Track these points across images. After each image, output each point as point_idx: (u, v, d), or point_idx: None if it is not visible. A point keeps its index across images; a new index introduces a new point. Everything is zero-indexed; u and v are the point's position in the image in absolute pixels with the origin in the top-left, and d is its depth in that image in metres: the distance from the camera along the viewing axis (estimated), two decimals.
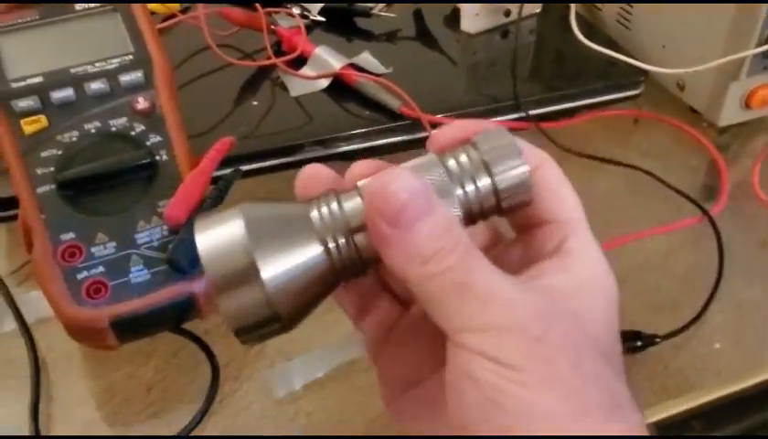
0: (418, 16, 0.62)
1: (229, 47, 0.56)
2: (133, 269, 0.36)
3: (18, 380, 0.39)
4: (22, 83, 0.39)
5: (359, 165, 0.26)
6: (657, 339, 0.39)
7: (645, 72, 0.54)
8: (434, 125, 0.48)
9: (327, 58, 0.52)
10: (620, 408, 0.22)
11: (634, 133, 0.56)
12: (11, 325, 0.41)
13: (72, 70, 0.40)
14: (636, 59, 0.54)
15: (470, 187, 0.24)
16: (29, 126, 0.38)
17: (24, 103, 0.39)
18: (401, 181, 0.23)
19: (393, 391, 0.27)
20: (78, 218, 0.37)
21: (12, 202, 0.44)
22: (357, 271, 0.25)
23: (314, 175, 0.26)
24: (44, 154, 0.38)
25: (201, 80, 0.53)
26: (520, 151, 0.25)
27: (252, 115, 0.50)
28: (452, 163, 0.24)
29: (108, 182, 0.38)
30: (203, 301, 0.37)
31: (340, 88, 0.52)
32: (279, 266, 0.24)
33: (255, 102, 0.52)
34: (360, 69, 0.52)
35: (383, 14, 0.59)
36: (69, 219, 0.37)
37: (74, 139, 0.39)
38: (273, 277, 0.23)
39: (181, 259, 0.35)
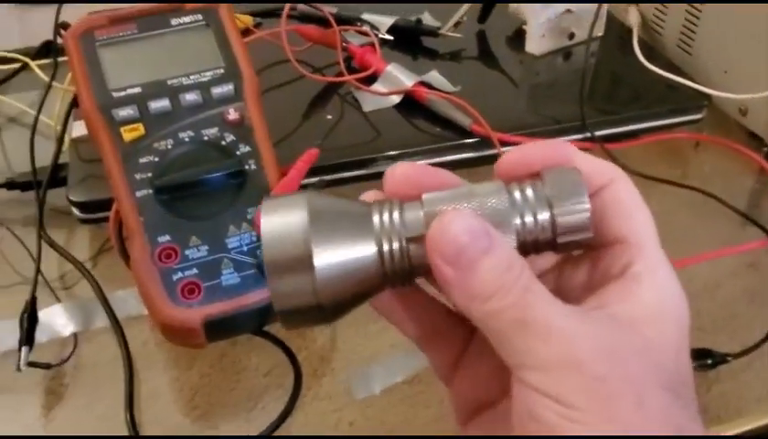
0: (481, 36, 0.64)
1: (301, 62, 0.58)
2: (224, 272, 0.38)
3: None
4: (122, 93, 0.41)
5: (402, 167, 0.26)
6: (729, 358, 0.40)
7: (708, 97, 0.55)
8: (504, 143, 0.50)
9: (398, 76, 0.54)
10: None
11: (696, 157, 0.57)
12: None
13: (169, 82, 0.42)
14: (698, 84, 0.55)
15: (529, 219, 0.25)
16: (128, 134, 0.41)
17: (124, 112, 0.41)
18: (461, 223, 0.23)
19: (468, 413, 0.27)
20: (173, 221, 0.39)
21: (95, 205, 0.47)
22: (405, 280, 0.26)
23: (404, 177, 0.26)
24: (142, 160, 0.40)
25: (274, 92, 0.55)
26: (586, 191, 0.25)
27: (326, 128, 0.52)
28: (516, 193, 0.25)
29: (201, 188, 0.40)
30: None
31: (411, 104, 0.54)
32: (332, 259, 0.24)
33: (329, 116, 0.54)
34: (430, 87, 0.54)
35: (450, 34, 0.61)
36: (165, 222, 0.39)
37: (169, 147, 0.41)
38: (325, 268, 0.24)
39: None
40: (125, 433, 0.38)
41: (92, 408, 0.39)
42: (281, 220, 0.25)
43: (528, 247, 0.26)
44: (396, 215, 0.25)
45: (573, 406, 0.21)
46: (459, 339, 0.28)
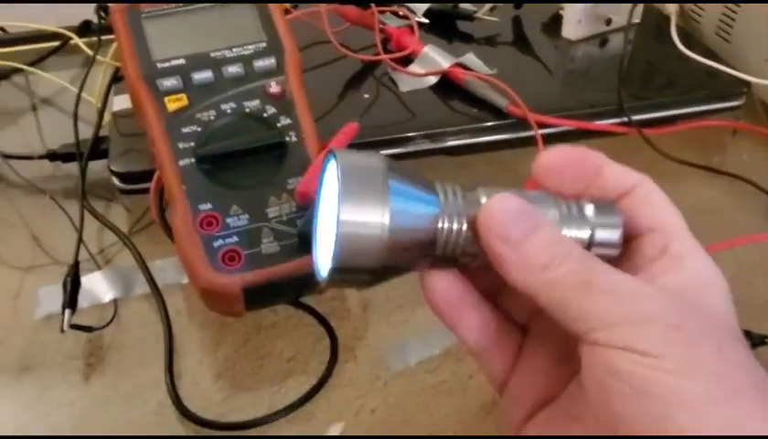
0: (517, 21, 0.64)
1: (334, 47, 0.58)
2: (264, 240, 0.38)
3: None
4: (166, 64, 0.42)
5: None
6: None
7: (747, 84, 0.55)
8: (540, 125, 0.50)
9: (435, 57, 0.54)
10: None
11: (734, 144, 0.57)
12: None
13: (212, 54, 0.43)
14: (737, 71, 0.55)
15: (572, 232, 0.26)
16: (172, 104, 0.41)
17: (168, 82, 0.41)
18: (507, 201, 0.25)
19: (526, 413, 0.27)
20: (215, 190, 0.39)
21: (135, 177, 0.48)
22: (452, 259, 0.27)
23: (575, 161, 0.27)
24: (185, 130, 0.41)
25: (311, 72, 0.56)
26: (621, 215, 0.27)
27: (363, 107, 0.53)
28: (564, 207, 0.27)
29: (242, 159, 0.40)
30: None
31: (447, 86, 0.54)
32: (401, 217, 0.25)
33: (366, 95, 0.54)
34: (466, 69, 0.54)
35: (486, 17, 0.61)
36: (206, 191, 0.39)
37: (212, 117, 0.41)
38: (397, 211, 0.25)
39: (311, 232, 0.37)
40: (163, 393, 0.38)
41: (130, 372, 0.40)
42: (359, 161, 0.26)
43: None
44: (459, 196, 0.27)
45: (654, 354, 0.22)
46: (514, 344, 0.28)
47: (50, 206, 0.48)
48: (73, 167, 0.51)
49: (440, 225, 0.26)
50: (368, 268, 0.25)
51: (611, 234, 0.28)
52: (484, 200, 0.26)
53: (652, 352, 0.22)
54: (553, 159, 0.27)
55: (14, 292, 0.44)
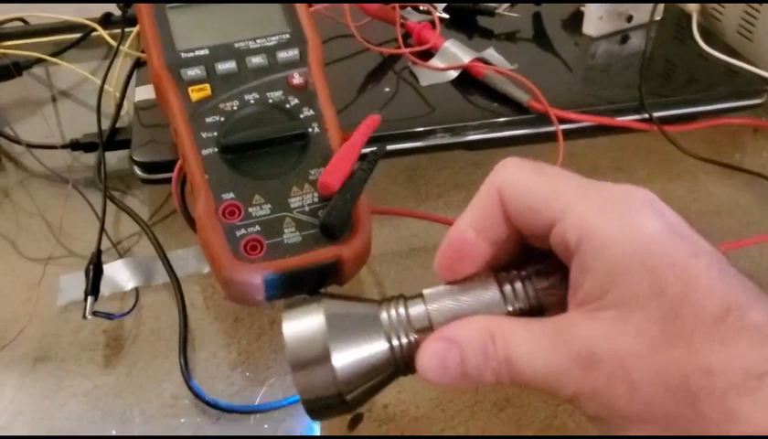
0: (537, 18, 0.64)
1: (354, 36, 0.59)
2: (286, 230, 0.39)
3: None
4: (190, 54, 0.42)
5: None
6: None
7: None
8: (562, 120, 0.50)
9: (456, 52, 0.54)
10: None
11: (754, 142, 0.57)
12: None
13: (236, 45, 0.43)
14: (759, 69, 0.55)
15: (517, 306, 0.28)
16: (196, 94, 0.41)
17: (192, 72, 0.42)
18: (427, 356, 0.27)
19: None
20: (237, 179, 0.39)
21: (156, 166, 0.48)
22: (411, 362, 0.29)
23: (461, 253, 0.28)
24: (208, 119, 0.41)
25: (333, 65, 0.56)
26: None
27: (384, 101, 0.53)
28: (507, 287, 0.29)
29: (265, 149, 0.40)
30: (347, 267, 0.39)
31: (467, 80, 0.54)
32: (349, 356, 0.29)
33: (386, 89, 0.54)
34: (487, 64, 0.54)
35: (507, 13, 0.61)
36: (229, 181, 0.39)
37: (235, 108, 0.41)
38: (343, 365, 0.29)
39: (334, 223, 0.38)
40: (178, 385, 0.38)
41: (146, 363, 0.40)
42: (302, 326, 0.30)
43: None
44: (402, 311, 0.30)
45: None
46: None
47: (72, 195, 0.49)
48: (95, 158, 0.51)
49: (390, 349, 0.29)
50: (339, 411, 0.30)
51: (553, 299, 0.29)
52: (424, 311, 0.29)
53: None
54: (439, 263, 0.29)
55: (35, 279, 0.44)
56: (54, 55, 0.60)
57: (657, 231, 0.24)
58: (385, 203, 0.49)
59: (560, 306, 0.26)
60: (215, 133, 0.41)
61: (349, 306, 0.31)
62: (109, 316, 0.40)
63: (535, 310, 0.29)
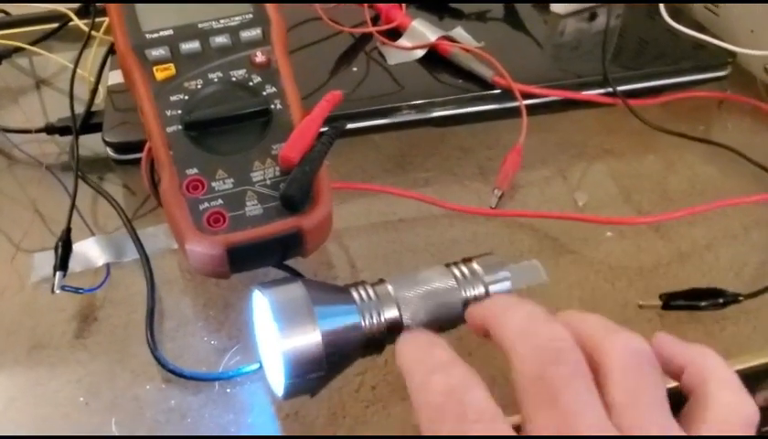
0: None
1: (324, 21, 0.60)
2: (248, 203, 0.40)
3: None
4: (155, 35, 0.43)
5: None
6: (740, 298, 0.40)
7: (733, 54, 0.55)
8: (525, 95, 0.51)
9: (423, 31, 0.55)
10: None
11: (719, 115, 0.57)
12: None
13: (199, 25, 0.44)
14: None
15: (469, 292, 0.36)
16: (160, 73, 0.42)
17: (156, 52, 0.43)
18: (407, 347, 0.29)
19: None
20: (201, 155, 0.40)
21: (127, 147, 0.49)
22: (380, 341, 0.34)
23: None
24: (172, 98, 0.42)
25: (303, 49, 0.57)
26: (504, 264, 0.37)
27: (352, 80, 0.54)
28: (458, 273, 0.36)
29: (228, 125, 0.41)
30: (308, 237, 0.40)
31: (434, 59, 0.55)
32: (330, 323, 0.32)
33: (354, 69, 0.55)
34: (453, 42, 0.55)
35: None
36: (193, 156, 0.40)
37: (199, 86, 0.42)
38: (326, 330, 0.32)
39: (294, 194, 0.39)
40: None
41: (119, 333, 0.41)
42: (286, 297, 0.33)
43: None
44: (371, 292, 0.35)
45: None
46: None
47: (47, 177, 0.50)
48: (70, 141, 0.52)
49: (363, 323, 0.33)
50: (313, 374, 0.32)
51: (501, 286, 0.36)
52: (392, 292, 0.35)
53: None
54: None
55: (9, 258, 0.45)
56: (33, 44, 0.61)
57: None
58: None
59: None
60: (179, 111, 0.42)
61: (322, 284, 0.35)
62: (77, 290, 0.42)
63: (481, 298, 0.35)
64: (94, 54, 0.57)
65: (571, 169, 0.53)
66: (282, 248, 0.41)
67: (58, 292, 0.40)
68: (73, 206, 0.45)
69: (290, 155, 0.40)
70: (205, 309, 0.43)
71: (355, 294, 0.34)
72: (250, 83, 0.43)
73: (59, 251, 0.42)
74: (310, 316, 0.32)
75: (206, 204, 0.39)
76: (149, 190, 0.44)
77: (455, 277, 0.36)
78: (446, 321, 0.36)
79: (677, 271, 0.45)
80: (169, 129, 0.41)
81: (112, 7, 0.44)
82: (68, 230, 0.43)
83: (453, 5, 0.63)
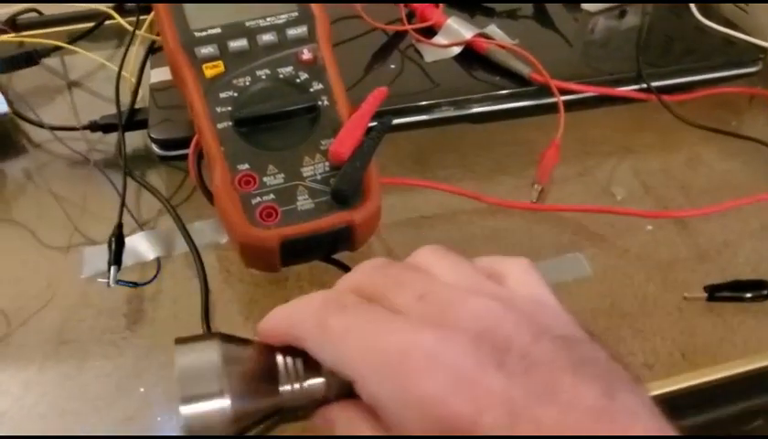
0: None
1: (361, 18, 0.60)
2: (299, 198, 0.40)
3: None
4: (204, 33, 0.44)
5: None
6: None
7: (764, 50, 0.56)
8: (562, 91, 0.51)
9: (458, 28, 0.56)
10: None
11: (750, 110, 0.58)
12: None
13: (246, 24, 0.45)
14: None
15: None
16: (210, 70, 0.43)
17: (205, 50, 0.44)
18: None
19: None
20: (251, 151, 0.41)
21: (173, 143, 0.50)
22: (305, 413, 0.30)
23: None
24: (222, 95, 0.43)
25: (339, 45, 0.57)
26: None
27: (389, 77, 0.55)
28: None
29: (277, 122, 0.42)
30: (358, 231, 0.41)
31: (470, 56, 0.56)
32: (241, 398, 0.28)
33: (392, 66, 0.56)
34: (489, 39, 0.56)
35: None
36: (244, 152, 0.41)
37: (247, 83, 0.43)
38: (236, 405, 0.28)
39: (346, 189, 0.39)
40: None
41: (171, 324, 0.42)
42: (196, 359, 0.29)
43: None
44: (299, 362, 0.29)
45: None
46: None
47: (93, 176, 0.51)
48: (112, 139, 0.53)
49: (283, 392, 0.29)
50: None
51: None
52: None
53: None
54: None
55: (62, 253, 0.46)
56: (70, 43, 0.62)
57: (434, 392, 0.23)
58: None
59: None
60: (229, 108, 0.42)
61: (244, 348, 0.31)
62: (133, 284, 0.42)
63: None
64: (135, 53, 0.58)
65: (605, 165, 0.54)
66: (332, 242, 0.42)
67: (113, 285, 0.41)
68: (123, 202, 0.46)
69: (340, 151, 0.41)
70: (250, 305, 0.44)
71: (279, 357, 0.30)
72: (298, 80, 0.44)
73: (113, 246, 0.43)
74: (216, 379, 0.28)
75: (258, 199, 0.40)
76: (197, 185, 0.45)
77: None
78: None
79: (722, 263, 0.46)
80: (220, 125, 0.42)
81: (160, 7, 0.45)
82: (119, 226, 0.44)
83: (485, 4, 0.64)
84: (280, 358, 0.29)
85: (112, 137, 0.53)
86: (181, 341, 0.30)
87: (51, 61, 0.64)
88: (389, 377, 0.24)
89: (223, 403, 0.28)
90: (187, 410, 0.28)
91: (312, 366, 0.29)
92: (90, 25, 0.64)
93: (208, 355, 0.29)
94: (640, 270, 0.46)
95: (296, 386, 0.29)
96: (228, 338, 0.30)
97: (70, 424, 0.38)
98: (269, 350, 0.30)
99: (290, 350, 0.30)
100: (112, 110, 0.53)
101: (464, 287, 0.26)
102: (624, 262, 0.46)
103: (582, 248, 0.47)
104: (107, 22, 0.65)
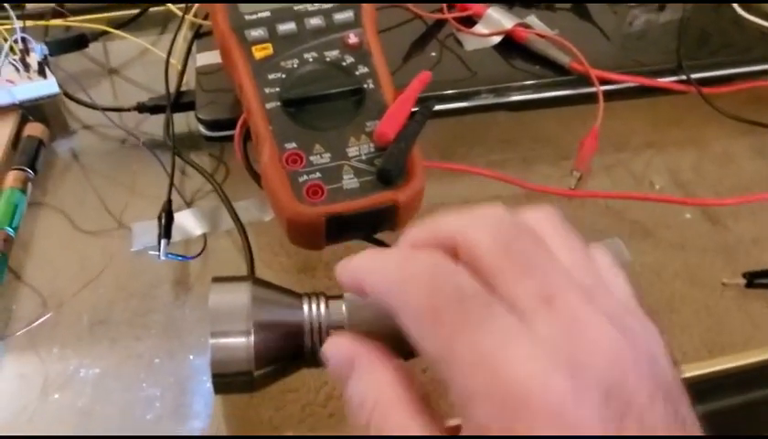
0: None
1: (400, 6, 0.61)
2: (344, 177, 0.41)
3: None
4: (254, 16, 0.45)
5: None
6: None
7: None
8: (602, 81, 0.52)
9: (499, 18, 0.57)
10: None
11: None
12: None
13: (295, 8, 0.46)
14: None
15: None
16: (259, 52, 0.45)
17: (255, 33, 0.45)
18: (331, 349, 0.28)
19: None
20: (299, 131, 0.42)
21: (219, 124, 0.51)
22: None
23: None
24: (270, 76, 0.44)
25: (382, 32, 0.58)
26: None
27: (431, 64, 0.56)
28: None
29: (323, 103, 0.43)
30: (402, 211, 0.42)
31: (510, 45, 0.56)
32: (266, 337, 0.31)
33: (432, 53, 0.57)
34: (529, 29, 0.56)
35: None
36: (291, 131, 0.42)
37: (295, 65, 0.44)
38: (259, 343, 0.31)
39: (391, 169, 0.40)
40: None
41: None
42: (228, 299, 0.32)
43: None
44: (322, 307, 0.33)
45: None
46: None
47: (139, 153, 0.52)
48: (155, 120, 0.55)
49: (304, 334, 0.32)
50: (242, 376, 0.32)
51: None
52: (342, 307, 0.32)
53: None
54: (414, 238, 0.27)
55: (113, 229, 0.48)
56: (118, 27, 0.63)
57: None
58: None
59: None
60: (277, 89, 0.44)
61: (274, 292, 0.34)
62: (182, 257, 0.44)
63: None
64: (180, 38, 0.60)
65: (642, 154, 0.54)
66: (376, 221, 0.42)
67: (163, 258, 0.43)
68: (172, 179, 0.47)
69: (386, 132, 0.41)
70: (298, 285, 0.45)
71: (305, 304, 0.33)
72: (344, 63, 0.45)
73: (163, 220, 0.44)
74: (244, 318, 0.31)
75: (305, 177, 0.41)
76: (242, 163, 0.46)
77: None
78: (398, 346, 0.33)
79: (757, 252, 0.46)
80: (268, 105, 0.43)
81: None
82: (169, 202, 0.45)
83: None
84: (306, 307, 0.33)
85: (155, 119, 0.55)
86: (217, 280, 0.34)
87: (92, 46, 0.66)
88: (502, 412, 0.21)
89: (248, 341, 0.31)
90: (215, 344, 0.31)
91: (336, 318, 0.32)
92: (135, 11, 0.66)
93: (240, 296, 0.32)
94: (670, 264, 0.46)
95: (318, 336, 0.32)
96: (259, 282, 0.34)
97: (133, 388, 0.39)
98: (296, 298, 0.33)
99: (317, 299, 0.33)
100: (151, 93, 0.55)
101: (586, 291, 0.24)
102: (656, 254, 0.47)
103: (639, 235, 0.47)
104: (150, 9, 0.67)
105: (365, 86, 0.44)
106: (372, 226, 0.43)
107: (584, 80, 0.53)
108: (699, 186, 0.51)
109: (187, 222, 0.47)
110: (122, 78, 0.63)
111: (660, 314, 0.43)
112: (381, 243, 0.44)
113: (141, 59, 0.65)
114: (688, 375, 0.39)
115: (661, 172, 0.52)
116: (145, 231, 0.46)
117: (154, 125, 0.55)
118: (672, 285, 0.45)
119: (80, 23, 0.64)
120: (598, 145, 0.50)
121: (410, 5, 0.58)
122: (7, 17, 0.55)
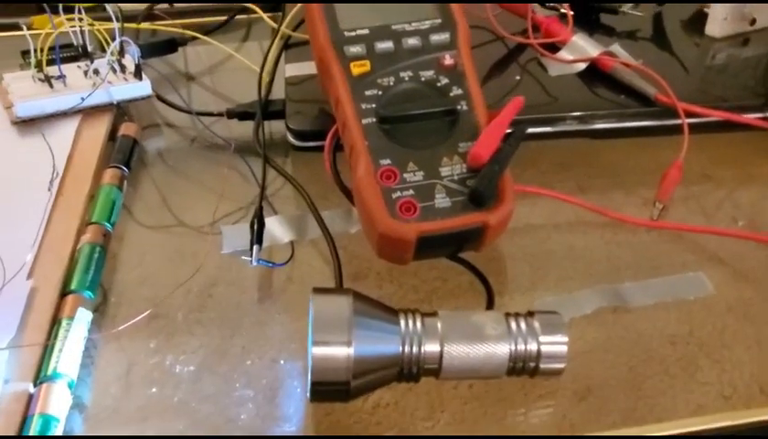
0: (658, 17, 0.66)
1: (483, 28, 0.62)
2: (437, 195, 0.42)
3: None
4: (353, 33, 0.47)
5: None
6: None
7: None
8: (688, 114, 0.52)
9: (584, 45, 0.57)
10: None
11: None
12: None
13: (393, 27, 0.47)
14: None
15: (521, 346, 0.36)
16: (357, 69, 0.46)
17: (354, 49, 0.46)
18: None
19: None
20: (393, 148, 0.43)
21: (308, 135, 0.53)
22: (417, 376, 0.35)
23: None
24: (367, 92, 0.45)
25: None
26: (566, 330, 0.36)
27: (514, 87, 0.56)
28: (513, 324, 0.36)
29: (418, 122, 0.44)
30: (490, 232, 0.42)
31: (595, 73, 0.57)
32: (365, 348, 0.34)
33: (517, 77, 0.58)
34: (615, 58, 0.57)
35: (631, 12, 0.63)
36: (386, 148, 0.43)
37: (391, 83, 0.45)
38: (359, 355, 0.33)
39: (484, 190, 0.41)
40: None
41: (303, 299, 0.44)
42: (331, 310, 0.35)
43: (515, 370, 0.36)
44: (419, 323, 0.35)
45: None
46: None
47: (231, 158, 0.54)
48: (241, 127, 0.56)
49: (402, 349, 0.34)
50: (339, 385, 0.34)
51: (556, 349, 0.36)
52: (439, 328, 0.35)
53: None
54: None
55: (205, 232, 0.49)
56: (206, 33, 0.65)
57: None
58: None
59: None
60: (374, 105, 0.45)
61: (373, 305, 0.36)
62: (273, 264, 0.45)
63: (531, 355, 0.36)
64: (262, 47, 0.62)
65: (723, 188, 0.54)
66: (463, 241, 0.43)
67: (255, 264, 0.44)
68: (263, 186, 0.48)
69: (481, 153, 0.42)
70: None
71: (402, 320, 0.35)
72: (438, 84, 0.46)
73: (256, 226, 0.45)
74: (346, 330, 0.33)
75: (398, 193, 0.42)
76: (331, 176, 0.47)
77: (509, 328, 0.36)
78: (486, 368, 0.36)
79: None
80: (365, 121, 0.44)
81: (314, 6, 0.47)
82: (260, 208, 0.47)
83: (606, 23, 0.65)
84: (402, 322, 0.35)
85: (241, 125, 0.56)
86: (318, 291, 0.36)
87: (189, 50, 0.68)
88: None
89: (348, 352, 0.33)
90: (317, 352, 0.33)
91: (431, 334, 0.35)
92: (223, 18, 0.68)
93: (342, 307, 0.34)
94: (723, 299, 0.46)
95: (414, 349, 0.34)
96: (358, 296, 0.36)
97: (221, 385, 0.40)
98: (393, 313, 0.36)
99: (413, 315, 0.36)
100: (230, 100, 0.57)
101: None
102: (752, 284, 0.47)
103: (718, 269, 0.47)
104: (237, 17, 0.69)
105: (458, 107, 0.45)
106: (459, 245, 0.44)
107: (668, 111, 0.53)
108: None
109: (275, 229, 0.48)
110: (202, 82, 0.65)
111: (711, 348, 0.43)
112: (465, 263, 0.45)
113: (222, 65, 0.67)
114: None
115: (743, 207, 0.52)
116: (235, 235, 0.47)
117: (234, 131, 0.57)
118: (721, 322, 0.45)
119: (169, 27, 0.66)
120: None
121: (500, 29, 0.59)
122: (107, 18, 0.57)
